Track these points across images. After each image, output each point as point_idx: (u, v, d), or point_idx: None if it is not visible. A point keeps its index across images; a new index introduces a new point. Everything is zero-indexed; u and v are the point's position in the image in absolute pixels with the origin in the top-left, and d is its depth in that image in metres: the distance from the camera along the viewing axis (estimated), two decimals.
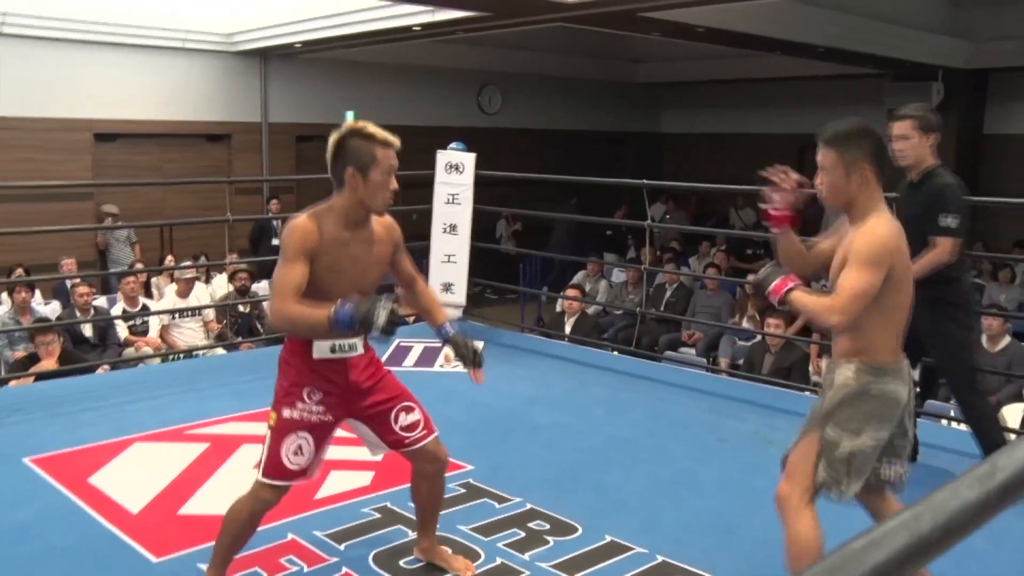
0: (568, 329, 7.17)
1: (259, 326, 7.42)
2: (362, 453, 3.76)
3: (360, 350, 2.52)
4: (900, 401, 2.33)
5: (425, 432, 2.64)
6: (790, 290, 2.33)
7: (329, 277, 2.37)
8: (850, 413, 2.31)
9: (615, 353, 6.24)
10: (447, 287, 6.45)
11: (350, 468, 3.65)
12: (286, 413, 2.44)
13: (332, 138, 2.39)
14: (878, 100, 11.80)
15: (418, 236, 6.38)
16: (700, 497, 3.44)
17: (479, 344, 2.86)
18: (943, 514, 0.67)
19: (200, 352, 6.56)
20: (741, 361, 6.84)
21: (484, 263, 6.94)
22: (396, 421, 2.60)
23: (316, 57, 11.11)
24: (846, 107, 12.94)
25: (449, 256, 6.37)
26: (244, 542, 2.56)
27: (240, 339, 7.02)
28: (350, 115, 12.08)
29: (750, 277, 2.68)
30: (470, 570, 2.79)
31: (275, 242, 9.72)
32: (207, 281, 8.28)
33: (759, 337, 6.70)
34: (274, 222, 9.88)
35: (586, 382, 5.11)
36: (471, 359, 2.65)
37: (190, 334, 7.03)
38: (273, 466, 2.44)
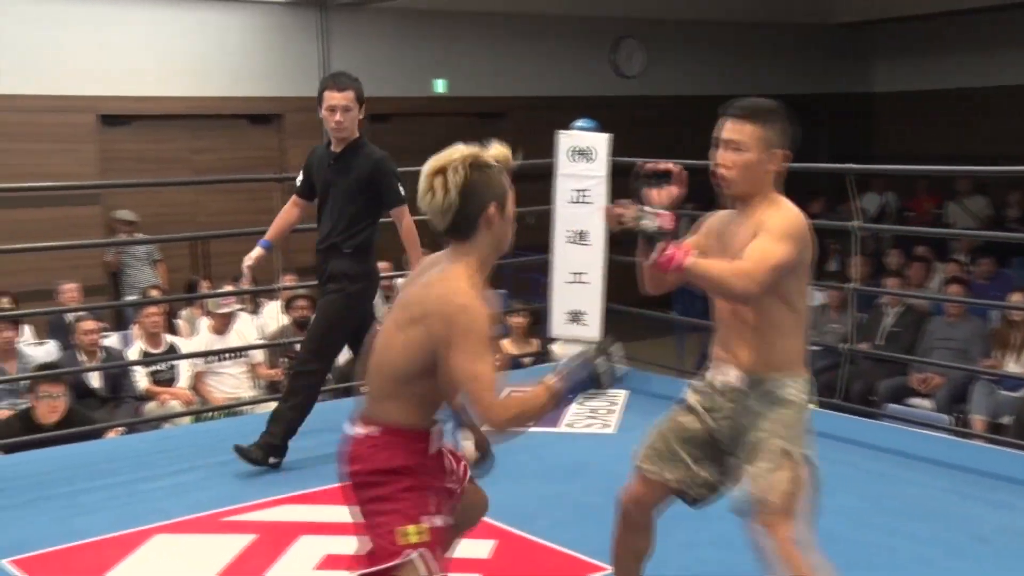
0: None
1: None
2: (463, 549, 3.76)
3: None
4: None
5: None
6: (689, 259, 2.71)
7: None
8: (803, 430, 2.91)
9: (813, 406, 6.06)
10: (575, 317, 6.42)
11: (449, 569, 3.63)
12: (439, 521, 2.61)
13: (454, 176, 2.52)
14: None
15: (534, 247, 6.35)
16: None
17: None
18: None
19: (245, 408, 6.69)
20: (1006, 420, 6.62)
21: (625, 282, 6.85)
22: None
23: (392, 7, 11.25)
24: None
25: (578, 275, 6.35)
26: None
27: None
28: (440, 85, 12.25)
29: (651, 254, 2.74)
30: None
31: None
32: (255, 312, 8.43)
33: None
34: None
35: None
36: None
37: (232, 383, 7.16)
38: None
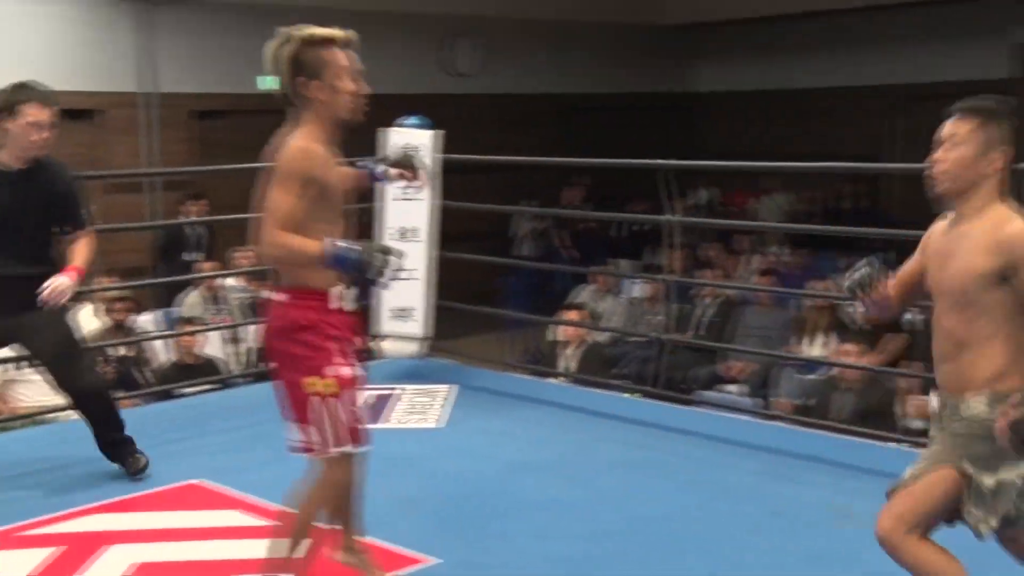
0: (569, 364, 7.13)
1: (141, 375, 7.31)
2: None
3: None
4: None
5: None
6: None
7: (336, 195, 3.05)
8: (986, 449, 2.71)
9: (633, 396, 6.23)
10: (402, 313, 6.40)
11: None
12: (343, 371, 2.99)
13: (280, 51, 3.00)
14: (999, 32, 11.77)
15: None
16: None
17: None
18: None
19: (52, 416, 6.45)
20: (808, 402, 6.85)
21: (453, 278, 6.86)
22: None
23: (220, 1, 11.05)
24: (952, 43, 13.06)
25: (405, 271, 6.31)
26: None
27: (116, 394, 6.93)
28: (268, 81, 12.03)
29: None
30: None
31: (190, 256, 9.66)
32: None
33: (832, 370, 6.67)
34: (193, 231, 9.74)
35: (595, 438, 5.13)
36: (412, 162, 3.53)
37: (38, 391, 6.90)
38: (354, 432, 3.02)
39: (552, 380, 6.92)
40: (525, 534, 3.95)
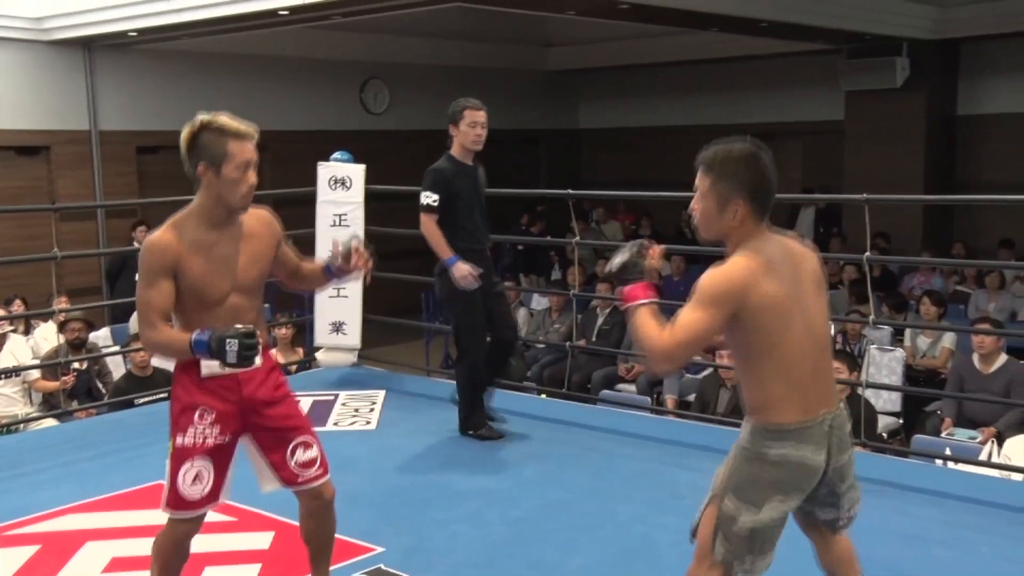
0: None
1: (100, 386, 7.14)
2: (245, 542, 3.68)
3: (255, 363, 2.77)
4: (810, 468, 2.43)
5: (320, 472, 2.97)
6: (641, 305, 2.42)
7: (205, 281, 2.74)
8: (750, 481, 2.44)
9: (542, 396, 6.25)
10: (337, 327, 6.38)
11: (231, 562, 3.55)
12: (179, 440, 2.78)
13: (183, 133, 2.74)
14: (833, 80, 12.23)
15: None
16: (659, 570, 3.44)
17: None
18: None
19: (20, 425, 6.26)
20: (692, 398, 6.93)
21: (380, 294, 6.85)
22: (292, 455, 2.91)
23: (157, 48, 10.86)
24: (797, 90, 13.58)
25: (338, 290, 6.29)
26: (177, 573, 2.91)
27: (76, 405, 6.74)
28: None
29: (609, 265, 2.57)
30: None
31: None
32: (27, 332, 7.94)
33: (711, 368, 6.79)
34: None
35: (510, 435, 5.12)
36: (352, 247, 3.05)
37: (4, 402, 6.71)
38: (173, 498, 2.79)
39: None
40: (458, 520, 3.94)
